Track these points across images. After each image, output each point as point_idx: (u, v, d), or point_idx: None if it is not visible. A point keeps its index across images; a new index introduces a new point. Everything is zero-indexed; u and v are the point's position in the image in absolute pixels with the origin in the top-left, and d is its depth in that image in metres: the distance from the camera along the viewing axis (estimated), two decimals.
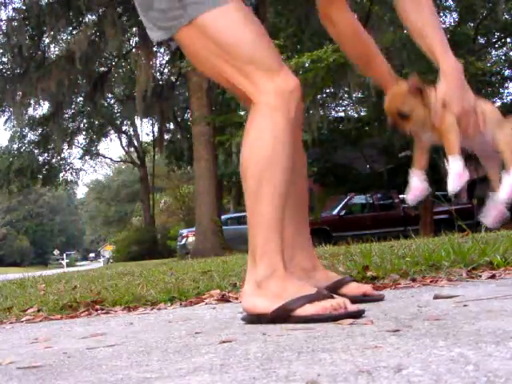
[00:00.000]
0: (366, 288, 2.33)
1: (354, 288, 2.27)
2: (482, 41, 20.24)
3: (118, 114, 34.43)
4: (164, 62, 25.70)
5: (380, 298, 2.30)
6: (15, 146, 29.10)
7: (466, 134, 2.11)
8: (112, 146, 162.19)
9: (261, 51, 1.98)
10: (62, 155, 31.37)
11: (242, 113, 20.93)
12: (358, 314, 1.89)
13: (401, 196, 18.66)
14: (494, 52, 22.02)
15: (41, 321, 2.93)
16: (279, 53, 2.17)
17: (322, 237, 15.36)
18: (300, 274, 2.18)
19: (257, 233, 1.94)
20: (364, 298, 2.25)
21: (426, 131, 2.25)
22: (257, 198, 1.94)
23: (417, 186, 2.22)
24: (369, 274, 3.24)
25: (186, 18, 1.97)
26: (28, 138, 28.87)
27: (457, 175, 2.10)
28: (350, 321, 1.89)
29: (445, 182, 2.08)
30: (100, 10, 18.23)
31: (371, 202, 18.61)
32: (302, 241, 2.28)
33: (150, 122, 34.17)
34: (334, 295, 1.95)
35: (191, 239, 19.26)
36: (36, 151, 28.74)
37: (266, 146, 1.95)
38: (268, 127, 1.95)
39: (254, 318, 1.94)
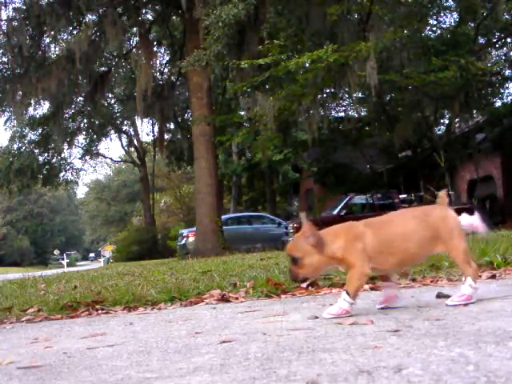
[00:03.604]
0: None
1: None
2: (482, 41, 20.19)
3: (118, 114, 34.41)
4: (164, 61, 25.72)
5: None
6: (15, 146, 29.06)
7: None
8: (112, 146, 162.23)
9: None
10: (62, 155, 31.34)
11: (243, 113, 20.93)
12: None
13: (401, 196, 18.64)
14: (494, 52, 21.99)
15: (41, 321, 2.93)
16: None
17: None
18: None
19: None
20: None
21: (324, 271, 2.31)
22: None
23: None
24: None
25: None
26: (28, 138, 28.83)
27: (339, 309, 2.12)
28: (351, 321, 1.88)
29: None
30: (100, 10, 18.21)
31: (371, 201, 18.58)
32: None
33: (150, 122, 34.16)
34: None
35: (191, 239, 19.23)
36: (36, 151, 28.69)
37: None
38: None
39: None
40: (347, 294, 2.09)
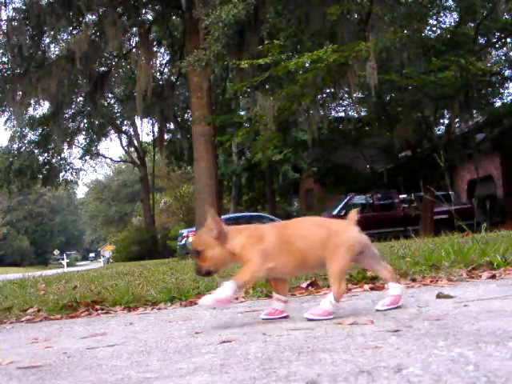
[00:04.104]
0: None
1: None
2: (482, 41, 20.15)
3: (118, 114, 34.41)
4: (164, 61, 25.72)
5: None
6: (15, 146, 29.09)
7: None
8: (112, 146, 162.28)
9: None
10: (62, 155, 31.36)
11: (243, 113, 20.91)
12: None
13: (401, 196, 18.63)
14: (494, 52, 21.95)
15: (41, 321, 2.93)
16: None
17: None
18: None
19: None
20: None
21: (227, 265, 2.33)
22: None
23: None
24: (369, 274, 3.24)
25: None
26: (28, 138, 28.86)
27: (221, 299, 2.09)
28: (351, 320, 1.89)
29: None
30: (100, 10, 18.21)
31: (371, 201, 18.59)
32: None
33: (150, 122, 34.17)
34: None
35: (191, 239, 19.22)
36: (36, 151, 28.71)
37: None
38: None
39: None
40: (234, 281, 2.12)
